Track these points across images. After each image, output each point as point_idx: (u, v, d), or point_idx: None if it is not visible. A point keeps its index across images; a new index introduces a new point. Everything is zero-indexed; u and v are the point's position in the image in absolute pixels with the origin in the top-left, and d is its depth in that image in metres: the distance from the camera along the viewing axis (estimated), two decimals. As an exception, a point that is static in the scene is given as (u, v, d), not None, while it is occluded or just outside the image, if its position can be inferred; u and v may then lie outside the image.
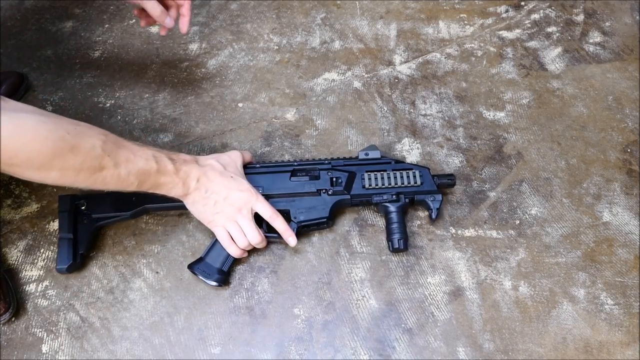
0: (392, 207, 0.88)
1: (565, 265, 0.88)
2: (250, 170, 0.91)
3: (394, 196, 0.88)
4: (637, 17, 1.24)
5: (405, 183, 0.89)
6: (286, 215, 0.89)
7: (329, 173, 0.91)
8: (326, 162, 0.92)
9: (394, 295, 0.86)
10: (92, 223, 0.89)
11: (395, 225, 0.87)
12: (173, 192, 0.80)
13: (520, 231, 0.92)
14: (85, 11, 1.30)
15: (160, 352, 0.82)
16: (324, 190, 0.89)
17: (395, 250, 0.88)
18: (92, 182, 0.70)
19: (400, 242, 0.86)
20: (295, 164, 0.92)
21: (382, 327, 0.83)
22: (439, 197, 0.89)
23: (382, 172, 0.90)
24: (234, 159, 0.88)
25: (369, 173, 0.90)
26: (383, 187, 0.89)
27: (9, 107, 0.62)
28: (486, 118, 1.07)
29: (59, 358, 0.82)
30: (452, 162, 1.01)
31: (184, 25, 0.95)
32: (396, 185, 0.89)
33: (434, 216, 0.88)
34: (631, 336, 0.81)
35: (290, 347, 0.82)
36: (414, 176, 0.89)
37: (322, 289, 0.87)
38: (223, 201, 0.83)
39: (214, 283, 0.85)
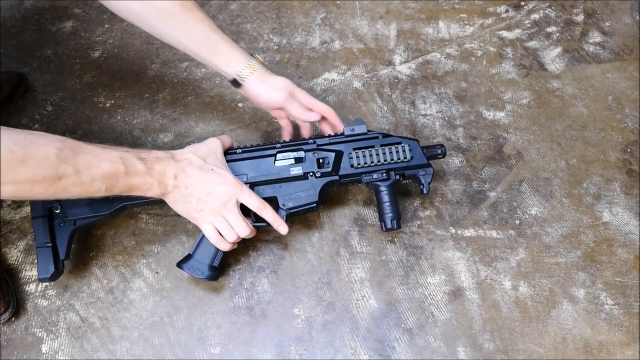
0: (382, 186, 0.85)
1: (565, 265, 0.88)
2: (231, 156, 0.87)
3: (384, 174, 0.86)
4: (637, 17, 1.24)
5: (395, 159, 0.86)
6: (274, 202, 0.86)
7: (315, 154, 0.87)
8: (311, 141, 0.87)
9: (393, 295, 0.86)
10: (70, 226, 0.84)
11: (387, 205, 0.85)
12: (149, 192, 0.76)
13: (520, 231, 0.92)
14: (85, 11, 1.30)
15: (160, 352, 0.82)
16: (311, 173, 0.86)
17: (388, 230, 0.85)
18: (53, 193, 0.66)
19: (393, 222, 0.84)
20: (279, 145, 0.88)
21: (382, 327, 0.83)
22: (430, 170, 0.86)
23: (370, 149, 0.86)
24: (213, 148, 0.83)
25: (357, 151, 0.86)
26: (372, 164, 0.86)
27: None
28: (486, 118, 1.07)
29: (59, 358, 0.82)
30: (452, 162, 1.01)
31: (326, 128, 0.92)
32: (385, 162, 0.86)
33: (425, 191, 0.86)
34: (631, 336, 0.81)
35: (290, 347, 0.82)
36: (403, 150, 0.86)
37: (322, 289, 0.87)
38: (206, 197, 0.78)
39: (202, 277, 0.83)
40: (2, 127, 0.63)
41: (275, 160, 0.87)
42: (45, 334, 0.84)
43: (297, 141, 0.88)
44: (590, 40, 1.20)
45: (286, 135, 0.95)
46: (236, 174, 0.85)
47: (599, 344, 0.80)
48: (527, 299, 0.85)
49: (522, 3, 1.28)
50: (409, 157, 0.86)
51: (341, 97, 1.12)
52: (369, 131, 0.88)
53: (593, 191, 0.97)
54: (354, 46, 1.21)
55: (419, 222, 0.93)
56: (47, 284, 0.89)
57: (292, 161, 0.86)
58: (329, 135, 0.89)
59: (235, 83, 0.88)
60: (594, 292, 0.85)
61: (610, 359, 0.79)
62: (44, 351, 0.83)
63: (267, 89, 0.87)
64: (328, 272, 0.88)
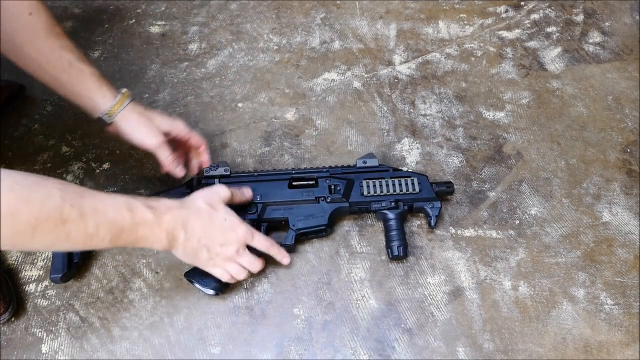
0: (390, 214, 0.87)
1: (565, 265, 0.88)
2: (248, 177, 0.91)
3: (392, 203, 0.88)
4: (637, 17, 1.24)
5: (404, 190, 0.89)
6: (284, 223, 0.89)
7: (327, 181, 0.90)
8: (324, 170, 0.92)
9: (393, 295, 0.86)
10: None
11: (394, 233, 0.86)
12: (157, 245, 0.71)
13: (520, 231, 0.92)
14: (85, 11, 1.30)
15: (160, 352, 0.82)
16: (322, 198, 0.89)
17: (394, 258, 0.87)
18: (55, 239, 0.60)
19: (400, 249, 0.85)
20: (293, 172, 0.92)
21: (381, 327, 0.83)
22: (437, 204, 0.89)
23: (380, 180, 0.90)
24: (222, 195, 0.79)
25: (367, 181, 0.90)
26: (381, 194, 0.89)
27: None
28: (486, 118, 1.07)
29: (59, 358, 0.82)
30: (451, 162, 1.01)
31: (194, 167, 0.94)
32: (394, 193, 0.89)
33: (432, 223, 0.88)
34: (631, 336, 0.81)
35: (290, 347, 0.82)
36: (412, 183, 0.89)
37: (322, 289, 0.87)
38: (219, 247, 0.78)
39: (211, 292, 0.84)
40: (4, 169, 0.59)
41: (289, 184, 0.90)
42: (45, 334, 0.84)
43: (311, 169, 0.93)
44: (590, 40, 1.20)
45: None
46: (249, 180, 0.89)
47: (598, 344, 0.80)
48: (527, 299, 0.85)
49: (522, 3, 1.28)
50: (417, 189, 0.89)
51: (341, 97, 1.12)
52: (380, 165, 0.92)
53: (593, 191, 0.97)
54: (354, 46, 1.21)
55: (418, 222, 0.93)
56: (47, 283, 0.89)
57: (306, 186, 0.90)
58: (342, 166, 0.93)
59: (103, 118, 0.85)
60: (593, 292, 0.85)
61: (610, 359, 0.79)
62: (43, 351, 0.83)
63: (137, 129, 0.85)
64: (328, 272, 0.88)
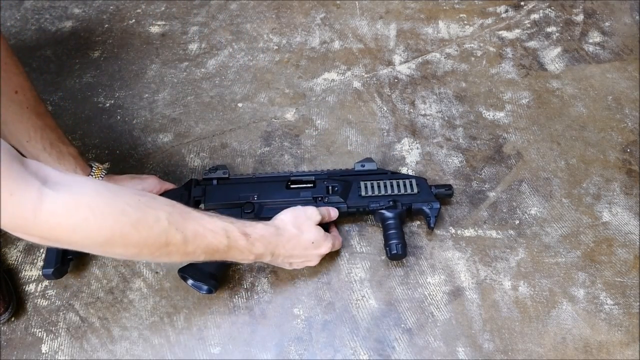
0: (388, 214, 0.87)
1: (565, 265, 0.88)
2: (245, 180, 0.91)
3: (390, 202, 0.88)
4: (637, 17, 1.24)
5: (402, 191, 0.88)
6: None
7: (325, 182, 0.90)
8: (322, 173, 0.92)
9: (393, 295, 0.86)
10: None
11: (392, 231, 0.86)
12: (243, 261, 0.80)
13: (520, 231, 0.92)
14: (85, 11, 1.30)
15: (160, 352, 0.82)
16: (319, 198, 0.89)
17: (393, 257, 0.86)
18: (157, 257, 0.64)
19: (399, 247, 0.84)
20: (292, 175, 0.92)
21: (381, 327, 0.83)
22: (436, 204, 0.88)
23: (378, 181, 0.90)
24: (313, 219, 0.83)
25: (365, 182, 0.90)
26: (380, 195, 0.88)
27: (64, 182, 0.57)
28: (486, 118, 1.07)
29: (59, 358, 0.82)
30: (451, 162, 1.01)
31: None
32: (393, 194, 0.88)
33: (432, 224, 0.88)
34: (631, 336, 0.81)
35: (289, 347, 0.82)
36: (411, 185, 0.89)
37: (322, 289, 0.87)
38: (301, 262, 0.84)
39: (204, 291, 0.83)
40: (116, 186, 0.62)
41: (286, 185, 0.90)
42: (45, 334, 0.84)
43: (309, 172, 0.93)
44: (590, 40, 1.20)
45: None
46: (247, 194, 0.89)
47: (598, 344, 0.80)
48: (527, 299, 0.85)
49: (522, 3, 1.28)
50: (415, 190, 0.89)
51: (341, 97, 1.12)
52: (378, 168, 0.92)
53: (593, 191, 0.97)
54: (354, 46, 1.21)
55: (418, 222, 0.93)
56: (47, 283, 0.89)
57: (303, 188, 0.90)
58: (340, 169, 0.93)
59: None
60: (593, 292, 0.85)
61: (609, 359, 0.79)
62: (43, 351, 0.83)
63: None
64: (328, 272, 0.88)
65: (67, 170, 0.84)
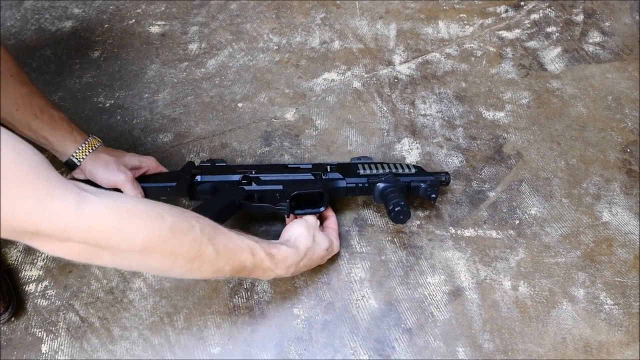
0: (388, 184, 0.86)
1: (565, 265, 0.88)
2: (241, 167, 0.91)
3: (390, 176, 0.87)
4: (637, 17, 1.24)
5: (400, 171, 0.88)
6: (278, 195, 0.87)
7: (324, 165, 0.90)
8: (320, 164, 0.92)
9: (393, 295, 0.86)
10: None
11: (393, 195, 0.83)
12: (260, 278, 0.79)
13: (520, 231, 0.92)
14: (85, 11, 1.30)
15: (160, 352, 0.82)
16: (318, 174, 0.89)
17: (396, 216, 0.82)
18: (188, 270, 0.64)
19: (401, 205, 0.81)
20: (289, 165, 0.92)
21: (381, 327, 0.83)
22: (435, 181, 0.87)
23: (376, 164, 0.90)
24: (315, 225, 0.84)
25: (364, 165, 0.90)
26: (378, 173, 0.88)
27: (101, 191, 0.57)
28: (486, 118, 1.07)
29: (59, 358, 0.82)
30: (451, 162, 1.01)
31: None
32: (391, 171, 0.88)
33: (433, 196, 0.85)
34: (631, 336, 0.81)
35: (289, 347, 0.82)
36: (408, 167, 0.89)
37: (322, 289, 0.87)
38: (311, 265, 0.84)
39: None
40: (142, 199, 0.63)
41: (284, 167, 0.91)
42: (45, 334, 0.84)
43: (307, 164, 0.93)
44: (590, 40, 1.20)
45: None
46: (245, 169, 0.89)
47: (598, 344, 0.80)
48: (527, 299, 0.85)
49: (522, 3, 1.28)
50: (413, 172, 0.89)
51: (341, 97, 1.12)
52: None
53: (593, 191, 0.97)
54: (354, 46, 1.21)
55: (418, 222, 0.93)
56: (47, 283, 0.89)
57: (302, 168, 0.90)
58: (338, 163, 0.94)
59: (72, 161, 0.85)
60: (593, 292, 0.85)
61: (609, 359, 0.79)
62: (43, 351, 0.83)
63: (104, 167, 0.85)
64: (328, 272, 0.88)
65: (63, 134, 0.83)
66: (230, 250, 0.67)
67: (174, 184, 0.88)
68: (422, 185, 0.87)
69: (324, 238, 0.83)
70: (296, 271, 0.80)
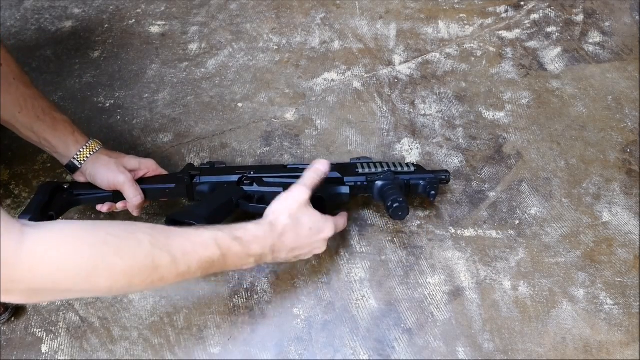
0: (386, 181, 0.85)
1: (565, 265, 0.88)
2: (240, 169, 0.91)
3: (389, 175, 0.86)
4: (637, 17, 1.24)
5: (399, 169, 0.88)
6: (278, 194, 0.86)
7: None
8: None
9: (393, 295, 0.86)
10: (72, 198, 0.86)
11: (392, 191, 0.83)
12: (245, 267, 0.73)
13: (520, 231, 0.92)
14: (85, 11, 1.30)
15: (160, 352, 0.82)
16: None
17: (395, 212, 0.81)
18: (151, 284, 0.62)
19: (400, 201, 0.81)
20: (288, 165, 0.92)
21: (381, 327, 0.83)
22: (434, 179, 0.87)
23: (375, 163, 0.89)
24: (301, 200, 0.76)
25: (363, 164, 0.90)
26: (377, 172, 0.88)
27: (43, 224, 0.56)
28: (486, 118, 1.07)
29: (59, 358, 0.82)
30: (451, 162, 1.01)
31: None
32: (390, 169, 0.88)
33: (433, 193, 0.86)
34: (631, 336, 0.81)
35: (289, 347, 0.82)
36: (407, 166, 0.89)
37: (322, 289, 0.87)
38: (308, 250, 0.78)
39: (192, 221, 0.78)
40: (93, 221, 0.60)
41: (283, 167, 0.91)
42: (45, 334, 0.84)
43: (306, 164, 0.92)
44: (590, 40, 1.20)
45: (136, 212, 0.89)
46: (245, 171, 0.88)
47: (598, 344, 0.80)
48: (527, 299, 0.85)
49: (522, 3, 1.28)
50: (412, 170, 0.88)
51: (341, 97, 1.12)
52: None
53: (593, 191, 0.97)
54: (354, 46, 1.21)
55: (418, 222, 0.93)
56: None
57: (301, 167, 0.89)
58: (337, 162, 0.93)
59: (73, 163, 0.85)
60: (593, 292, 0.85)
61: (609, 359, 0.79)
62: (43, 351, 0.83)
63: (105, 169, 0.85)
64: (328, 272, 0.88)
65: (65, 136, 0.83)
66: (190, 250, 0.64)
67: (173, 185, 0.89)
68: (421, 182, 0.87)
69: (307, 214, 0.75)
70: (284, 253, 0.74)
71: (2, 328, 0.85)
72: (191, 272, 0.64)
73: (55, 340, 0.84)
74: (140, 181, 0.88)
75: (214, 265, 0.67)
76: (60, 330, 0.85)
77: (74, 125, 0.86)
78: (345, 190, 0.87)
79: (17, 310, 0.86)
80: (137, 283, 0.60)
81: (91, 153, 0.85)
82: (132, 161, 0.88)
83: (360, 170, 0.88)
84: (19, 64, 0.80)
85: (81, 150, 0.85)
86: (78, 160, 0.85)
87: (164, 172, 0.92)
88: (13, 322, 0.85)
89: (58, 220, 0.60)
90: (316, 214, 0.77)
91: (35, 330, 0.85)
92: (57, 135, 0.83)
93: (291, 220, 0.74)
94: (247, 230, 0.70)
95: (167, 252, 0.61)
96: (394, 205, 0.81)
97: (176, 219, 0.79)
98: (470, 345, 0.81)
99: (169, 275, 0.62)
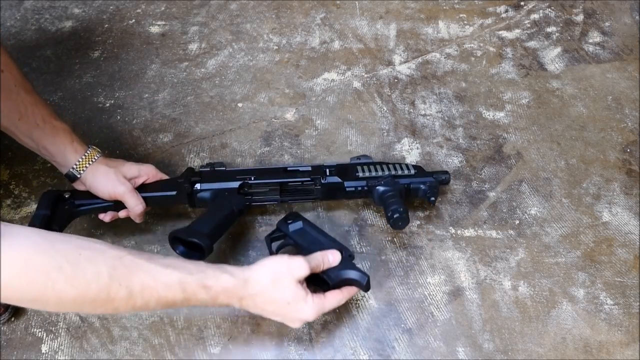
0: (387, 187, 0.85)
1: (565, 265, 0.88)
2: (243, 167, 0.91)
3: (390, 179, 0.87)
4: (637, 17, 1.24)
5: (399, 173, 0.88)
6: (277, 190, 0.88)
7: (322, 169, 0.89)
8: (319, 165, 0.91)
9: (393, 295, 0.86)
10: (73, 208, 0.86)
11: (392, 200, 0.83)
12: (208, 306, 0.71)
13: (520, 231, 0.92)
14: (85, 11, 1.30)
15: (160, 352, 0.82)
16: (316, 177, 0.88)
17: (395, 223, 0.82)
18: (103, 311, 0.62)
19: (400, 211, 0.81)
20: (288, 168, 0.91)
21: (381, 327, 0.83)
22: (433, 182, 0.87)
23: (375, 165, 0.89)
24: (296, 275, 0.70)
25: (363, 166, 0.89)
26: (377, 176, 0.87)
27: (5, 234, 0.55)
28: (486, 118, 1.07)
29: (59, 358, 0.82)
30: (451, 162, 1.01)
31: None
32: (390, 173, 0.88)
33: (433, 198, 0.86)
34: (631, 336, 0.81)
35: (289, 347, 0.82)
36: (407, 168, 0.88)
37: (322, 289, 0.87)
38: (280, 319, 0.73)
39: (195, 240, 0.79)
40: (62, 238, 0.60)
41: (284, 170, 0.90)
42: (45, 334, 0.84)
43: (306, 164, 0.93)
44: (590, 40, 1.20)
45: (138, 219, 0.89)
46: (244, 175, 0.88)
47: (598, 344, 0.80)
48: (527, 299, 0.85)
49: (522, 3, 1.28)
50: (412, 172, 0.88)
51: (341, 97, 1.12)
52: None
53: (593, 191, 0.97)
54: (354, 46, 1.21)
55: (418, 222, 0.93)
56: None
57: (301, 170, 0.90)
58: (337, 162, 0.92)
59: (72, 173, 0.85)
60: (593, 292, 0.85)
61: (609, 359, 0.79)
62: (43, 351, 0.83)
63: (104, 179, 0.84)
64: (328, 272, 0.88)
65: (64, 145, 0.83)
66: (151, 287, 0.62)
67: (174, 192, 0.88)
68: (422, 187, 0.87)
69: (289, 288, 0.69)
70: (251, 309, 0.71)
71: (2, 328, 0.85)
72: (149, 308, 0.64)
73: (55, 340, 0.84)
74: (142, 188, 0.88)
75: (176, 304, 0.66)
76: (60, 330, 0.85)
77: (74, 134, 0.85)
78: (341, 193, 0.88)
79: (17, 310, 0.86)
80: (87, 309, 0.61)
81: (90, 162, 0.84)
82: (132, 169, 0.87)
83: (361, 174, 0.88)
84: (20, 70, 0.80)
85: (80, 160, 0.84)
86: (77, 170, 0.84)
87: (164, 176, 0.91)
88: (13, 322, 0.85)
89: (23, 229, 0.59)
90: (299, 292, 0.70)
91: (35, 330, 0.85)
92: (56, 144, 0.83)
93: (272, 285, 0.69)
94: (219, 280, 0.67)
95: (126, 287, 0.60)
96: (394, 216, 0.82)
97: (179, 237, 0.81)
98: (470, 345, 0.81)
99: (125, 307, 0.62)
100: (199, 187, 0.88)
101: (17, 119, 0.79)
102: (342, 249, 0.78)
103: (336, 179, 0.88)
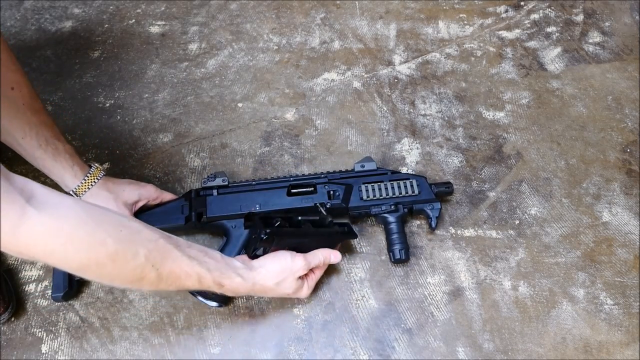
0: (391, 218, 0.87)
1: (565, 265, 0.88)
2: (246, 187, 0.90)
3: (392, 206, 0.88)
4: (637, 17, 1.24)
5: (403, 193, 0.88)
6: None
7: (326, 187, 0.89)
8: (322, 175, 0.91)
9: (393, 295, 0.86)
10: None
11: (395, 236, 0.86)
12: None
13: (520, 231, 0.92)
14: (85, 11, 1.30)
15: (160, 352, 0.82)
16: (321, 204, 0.88)
17: (397, 261, 0.87)
18: (127, 286, 0.70)
19: (402, 253, 0.85)
20: (292, 179, 0.91)
21: (381, 327, 0.83)
22: (437, 205, 0.88)
23: (379, 183, 0.89)
24: (295, 271, 0.79)
25: (366, 185, 0.89)
26: (381, 197, 0.88)
27: (50, 202, 0.56)
28: (486, 118, 1.07)
29: (59, 358, 0.82)
30: (451, 162, 1.01)
31: None
32: (394, 196, 0.88)
33: (433, 225, 0.88)
34: (630, 336, 0.81)
35: (289, 347, 0.82)
36: (411, 186, 0.89)
37: (322, 289, 0.87)
38: (278, 295, 0.81)
39: (214, 304, 0.83)
40: (102, 211, 0.62)
41: (287, 191, 0.89)
42: (45, 334, 0.84)
43: (309, 175, 0.92)
44: (590, 40, 1.20)
45: None
46: (249, 203, 0.88)
47: (598, 344, 0.80)
48: (527, 299, 0.85)
49: (522, 3, 1.28)
50: (416, 191, 0.89)
51: (341, 97, 1.12)
52: (378, 168, 0.92)
53: (593, 191, 0.97)
54: (354, 46, 1.21)
55: (418, 222, 0.93)
56: (47, 283, 0.89)
57: (304, 193, 0.89)
58: (340, 171, 0.93)
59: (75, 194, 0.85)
60: (593, 292, 0.85)
61: (609, 359, 0.79)
62: (43, 351, 0.83)
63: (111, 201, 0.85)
64: (328, 272, 0.88)
65: (64, 168, 0.83)
66: (176, 275, 0.66)
67: (182, 223, 0.88)
68: (425, 209, 0.89)
69: (291, 285, 0.79)
70: (256, 296, 0.83)
71: (2, 328, 0.85)
72: (167, 290, 0.70)
73: (55, 340, 0.84)
74: (144, 210, 0.89)
75: (189, 290, 0.74)
76: (60, 330, 0.85)
77: (75, 157, 0.85)
78: (345, 211, 0.90)
79: (17, 310, 0.86)
80: (117, 283, 0.66)
81: (91, 186, 0.85)
82: (132, 195, 0.87)
83: (364, 196, 0.88)
84: (32, 88, 0.80)
85: (79, 184, 0.84)
86: (76, 194, 0.84)
87: (165, 196, 0.91)
88: (13, 322, 0.85)
89: (65, 199, 0.60)
90: (296, 284, 0.79)
91: (35, 330, 0.85)
92: (56, 167, 0.83)
93: (276, 286, 0.78)
94: (232, 281, 0.73)
95: (157, 270, 0.64)
96: (396, 257, 0.86)
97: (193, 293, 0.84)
98: (470, 345, 0.81)
99: (149, 287, 0.66)
100: (205, 219, 0.88)
101: (21, 138, 0.79)
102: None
103: (339, 204, 0.88)
